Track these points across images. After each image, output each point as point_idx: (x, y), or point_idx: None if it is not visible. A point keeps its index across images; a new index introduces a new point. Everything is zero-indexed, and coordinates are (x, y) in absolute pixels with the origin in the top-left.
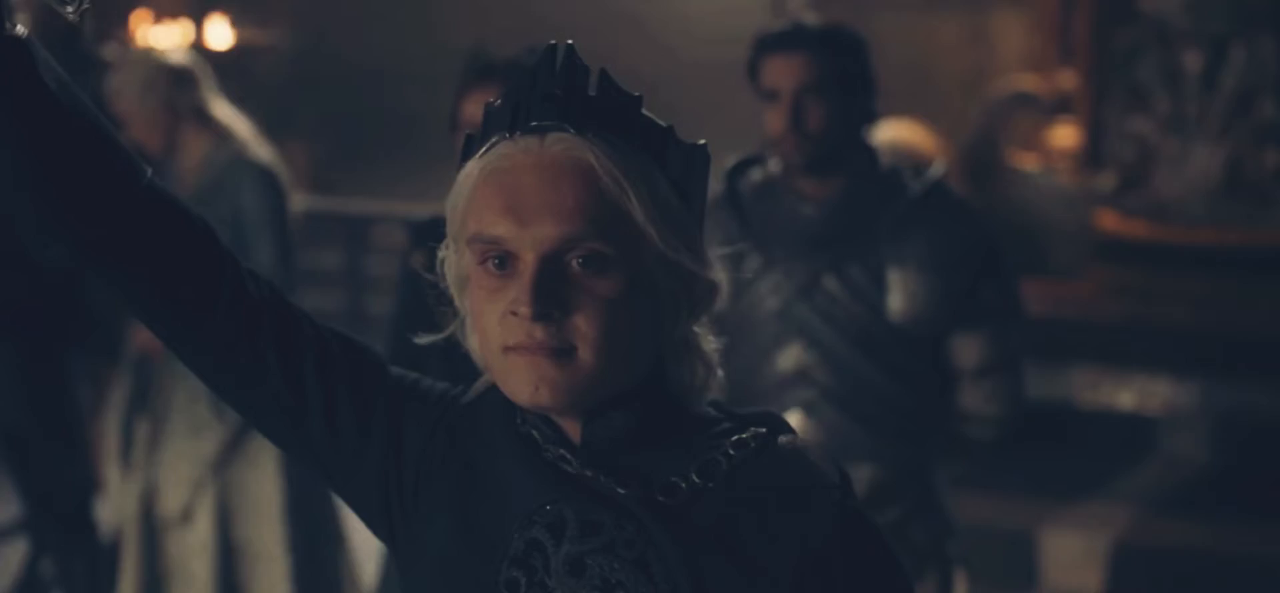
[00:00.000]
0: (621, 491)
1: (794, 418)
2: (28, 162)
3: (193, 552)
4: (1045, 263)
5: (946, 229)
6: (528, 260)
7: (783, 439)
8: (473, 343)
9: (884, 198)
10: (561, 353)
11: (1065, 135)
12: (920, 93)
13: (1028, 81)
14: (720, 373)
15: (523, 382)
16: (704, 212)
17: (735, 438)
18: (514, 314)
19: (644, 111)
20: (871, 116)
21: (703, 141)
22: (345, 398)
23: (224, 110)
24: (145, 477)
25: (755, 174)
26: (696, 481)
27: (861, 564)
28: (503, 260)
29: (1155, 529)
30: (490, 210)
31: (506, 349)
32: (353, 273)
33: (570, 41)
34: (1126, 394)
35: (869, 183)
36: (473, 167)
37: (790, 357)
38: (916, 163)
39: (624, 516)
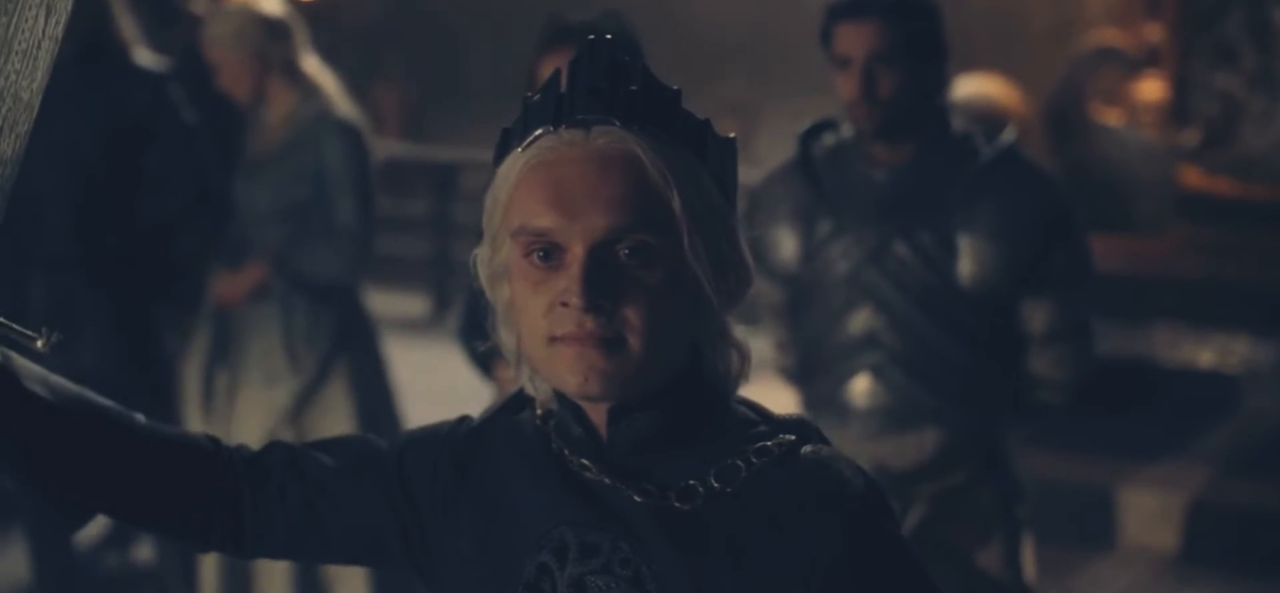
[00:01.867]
0: (637, 498)
1: (862, 380)
2: (26, 467)
3: None
4: (1128, 219)
5: (1016, 196)
6: (576, 252)
7: (807, 449)
8: (504, 336)
9: (955, 164)
10: (611, 343)
11: (1150, 90)
12: (1006, 47)
13: (1113, 36)
14: (751, 361)
15: (572, 371)
16: (736, 202)
17: (759, 445)
18: (563, 305)
19: (683, 105)
20: (943, 82)
21: (733, 135)
22: (356, 502)
23: (313, 65)
24: (223, 425)
25: (828, 138)
26: (714, 485)
27: (875, 574)
28: (548, 252)
29: (1233, 488)
30: (536, 203)
31: (554, 340)
32: (440, 219)
33: (610, 36)
34: (1206, 352)
35: (940, 149)
36: (515, 160)
37: (859, 320)
38: (999, 118)
39: (620, 535)
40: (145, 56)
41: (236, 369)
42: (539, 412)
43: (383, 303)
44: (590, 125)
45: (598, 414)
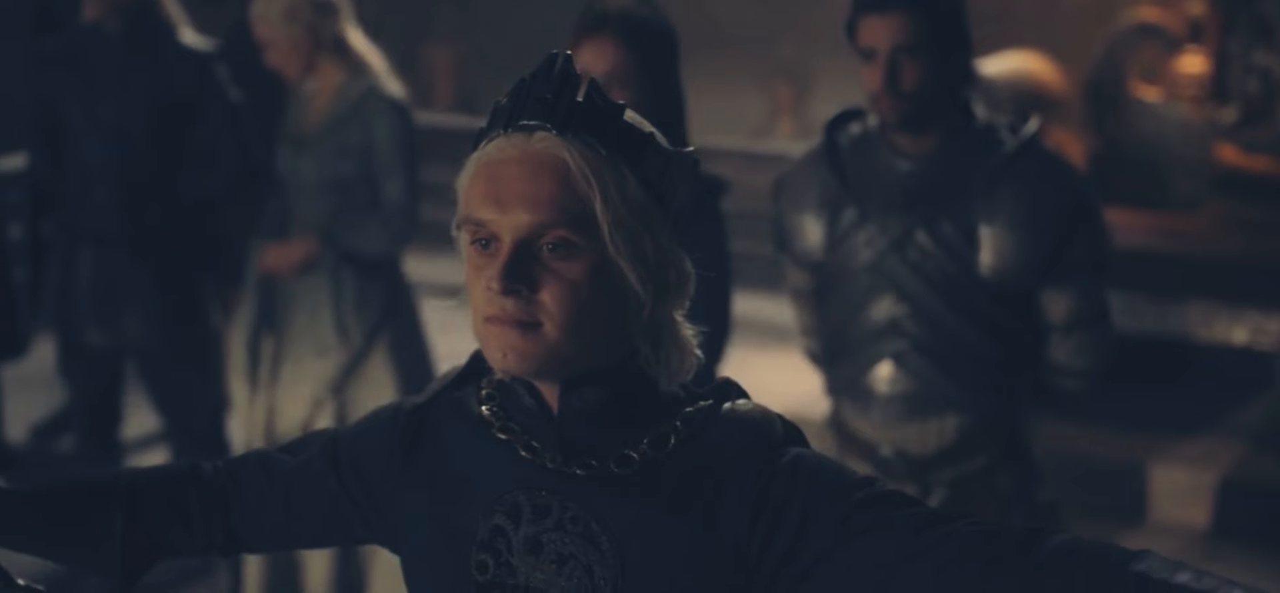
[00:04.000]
0: (579, 471)
1: (885, 367)
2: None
3: None
4: (1165, 196)
5: (1037, 187)
6: (505, 242)
7: (726, 406)
8: (471, 316)
9: (978, 154)
10: (527, 326)
11: (1191, 67)
12: (1045, 23)
13: (1152, 13)
14: (699, 355)
15: (494, 349)
16: (679, 211)
17: (684, 412)
18: (490, 289)
19: (628, 118)
20: (967, 73)
21: (690, 148)
22: (319, 494)
23: (360, 41)
24: (269, 394)
25: (854, 128)
26: (648, 451)
27: (805, 483)
28: (487, 242)
29: (1264, 465)
30: (479, 196)
31: (486, 319)
32: None
33: (568, 52)
34: (1240, 329)
35: (963, 139)
36: (474, 156)
37: (882, 308)
38: (1039, 94)
39: (567, 496)
40: (190, 36)
41: (284, 340)
42: (485, 392)
43: (427, 268)
44: (532, 131)
45: (549, 390)
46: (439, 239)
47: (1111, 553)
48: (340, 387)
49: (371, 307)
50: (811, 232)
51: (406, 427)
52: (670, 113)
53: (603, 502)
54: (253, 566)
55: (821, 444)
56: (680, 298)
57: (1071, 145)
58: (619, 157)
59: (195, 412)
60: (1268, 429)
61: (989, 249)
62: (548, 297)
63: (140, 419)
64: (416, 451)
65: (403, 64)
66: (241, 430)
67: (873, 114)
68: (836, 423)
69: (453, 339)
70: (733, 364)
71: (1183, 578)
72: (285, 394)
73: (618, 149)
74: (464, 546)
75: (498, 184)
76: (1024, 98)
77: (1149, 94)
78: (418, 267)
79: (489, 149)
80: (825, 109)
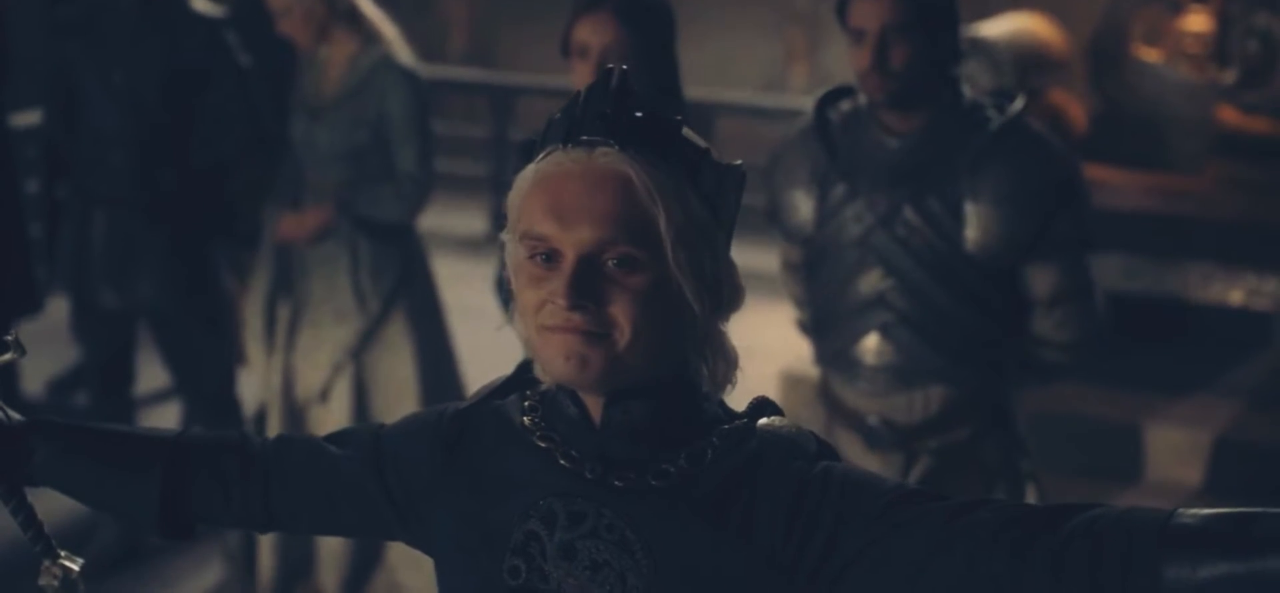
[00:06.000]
0: (617, 482)
1: (872, 339)
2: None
3: (329, 428)
4: (1166, 156)
5: (1022, 165)
6: (568, 258)
7: (762, 422)
8: (518, 323)
9: (965, 132)
10: (594, 336)
11: (1194, 28)
12: None
13: None
14: (739, 368)
15: (555, 356)
16: (733, 224)
17: (721, 429)
18: (555, 302)
19: (685, 134)
20: (955, 52)
21: (739, 162)
22: (360, 489)
23: (372, 10)
24: (285, 359)
25: (845, 105)
26: (685, 466)
27: (836, 490)
28: (548, 256)
29: (1259, 425)
30: (539, 211)
31: (544, 329)
32: (498, 141)
33: (625, 67)
34: (1237, 291)
35: (951, 117)
36: (530, 170)
37: (870, 282)
38: (1042, 54)
39: (602, 504)
40: (201, 3)
41: (301, 306)
42: (527, 402)
43: (442, 221)
44: (593, 146)
45: (594, 402)
46: (452, 192)
47: (1137, 514)
48: (358, 352)
49: (388, 273)
50: (802, 206)
51: (449, 431)
52: (667, 89)
53: (639, 512)
54: (265, 543)
55: (818, 406)
56: (732, 311)
57: (1073, 106)
58: (679, 172)
59: (207, 373)
60: (1263, 389)
61: (974, 225)
62: (616, 311)
63: (153, 374)
64: (457, 454)
65: (417, 14)
66: (258, 395)
67: (862, 92)
68: (825, 392)
69: (461, 291)
70: (743, 317)
71: (1207, 518)
72: (303, 360)
73: (677, 164)
74: (498, 550)
75: (560, 199)
76: (1026, 58)
77: (1151, 55)
78: (430, 219)
79: (547, 164)
80: (838, 55)
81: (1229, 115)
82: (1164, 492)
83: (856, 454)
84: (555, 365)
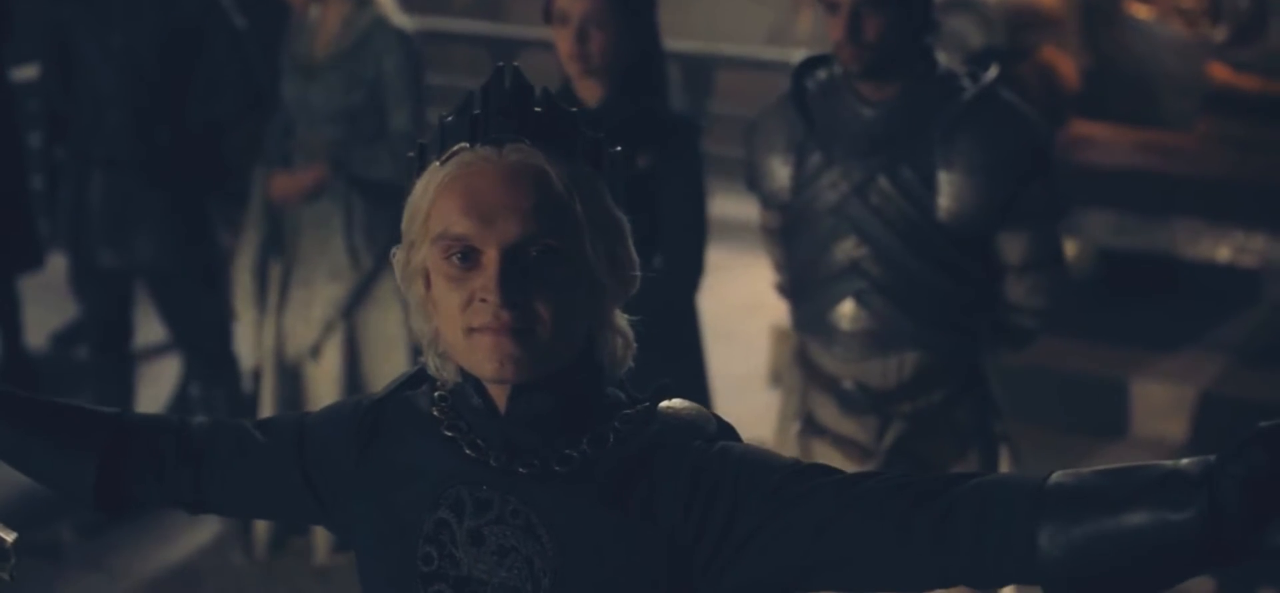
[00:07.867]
0: (521, 469)
1: (847, 305)
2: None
3: (321, 384)
4: (1157, 113)
5: (994, 134)
6: (491, 256)
7: (663, 405)
8: (416, 325)
9: (939, 102)
10: (522, 333)
11: None
12: None
13: None
14: (634, 347)
15: (489, 358)
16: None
17: (623, 413)
18: (482, 301)
19: (586, 125)
20: (930, 22)
21: (619, 147)
22: (283, 476)
23: None
24: (277, 318)
25: (821, 74)
26: (588, 450)
27: (733, 468)
28: (466, 255)
29: (1244, 380)
30: (455, 211)
31: (471, 330)
32: None
33: (516, 63)
34: (1224, 247)
35: (926, 87)
36: (434, 172)
37: (844, 249)
38: (1033, 12)
39: (507, 491)
40: None
41: (293, 265)
42: (437, 393)
43: None
44: (503, 142)
45: (499, 392)
46: None
47: (1016, 480)
48: (351, 310)
49: (381, 232)
50: (779, 173)
51: (363, 422)
52: (647, 54)
53: (543, 497)
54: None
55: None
56: (628, 294)
57: (1064, 63)
58: (584, 161)
59: (205, 330)
60: (1250, 345)
61: (947, 194)
62: (540, 304)
63: (151, 330)
64: (371, 446)
65: None
66: (250, 354)
67: (838, 62)
68: (802, 356)
69: None
70: (735, 271)
71: (1085, 477)
72: (295, 317)
73: (586, 155)
74: (411, 538)
75: (477, 198)
76: (1018, 16)
77: (1142, 12)
78: None
79: (455, 164)
80: (815, 26)
81: (1220, 72)
82: (1150, 447)
83: (832, 418)
84: (485, 367)
